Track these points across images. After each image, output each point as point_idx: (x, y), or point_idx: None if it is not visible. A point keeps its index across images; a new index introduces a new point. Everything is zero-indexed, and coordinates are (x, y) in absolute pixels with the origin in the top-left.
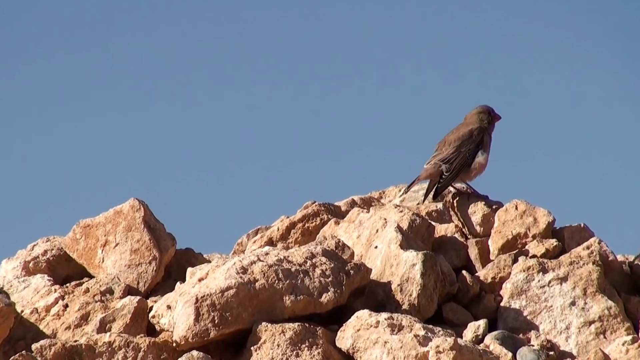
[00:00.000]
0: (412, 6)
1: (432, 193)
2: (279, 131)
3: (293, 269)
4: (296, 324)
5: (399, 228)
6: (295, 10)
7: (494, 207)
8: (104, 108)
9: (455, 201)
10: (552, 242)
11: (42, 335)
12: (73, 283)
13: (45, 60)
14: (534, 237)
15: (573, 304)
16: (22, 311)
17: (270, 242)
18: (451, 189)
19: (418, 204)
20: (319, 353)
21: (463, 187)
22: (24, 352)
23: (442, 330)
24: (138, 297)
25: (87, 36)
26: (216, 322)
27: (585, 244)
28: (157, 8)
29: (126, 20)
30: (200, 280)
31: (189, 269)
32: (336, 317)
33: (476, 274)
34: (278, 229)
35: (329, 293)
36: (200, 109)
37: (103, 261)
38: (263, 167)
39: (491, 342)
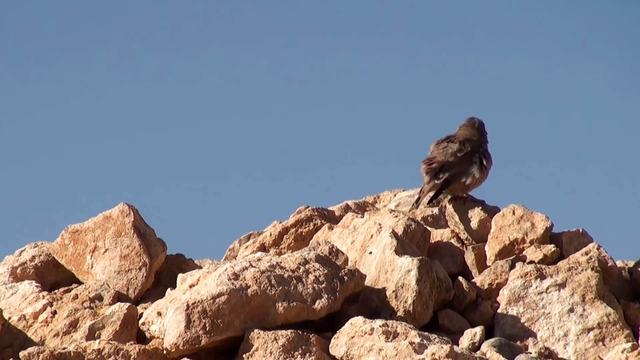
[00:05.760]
0: (406, 11)
1: (425, 199)
2: (272, 136)
3: (286, 275)
4: (289, 331)
5: (394, 233)
6: (288, 16)
7: (490, 212)
8: (94, 112)
9: (451, 206)
10: (550, 248)
11: (30, 343)
12: (61, 289)
13: (33, 63)
14: (531, 242)
15: (571, 310)
16: (9, 318)
17: (263, 248)
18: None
19: (411, 209)
20: None
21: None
22: (11, 359)
23: (438, 338)
24: (128, 304)
25: (75, 39)
26: (207, 329)
27: (584, 249)
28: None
29: (113, 25)
30: (191, 286)
31: (180, 275)
32: (330, 324)
33: (473, 280)
34: (270, 235)
35: (323, 299)
36: (192, 114)
37: (92, 267)
38: (255, 172)
39: (488, 350)
